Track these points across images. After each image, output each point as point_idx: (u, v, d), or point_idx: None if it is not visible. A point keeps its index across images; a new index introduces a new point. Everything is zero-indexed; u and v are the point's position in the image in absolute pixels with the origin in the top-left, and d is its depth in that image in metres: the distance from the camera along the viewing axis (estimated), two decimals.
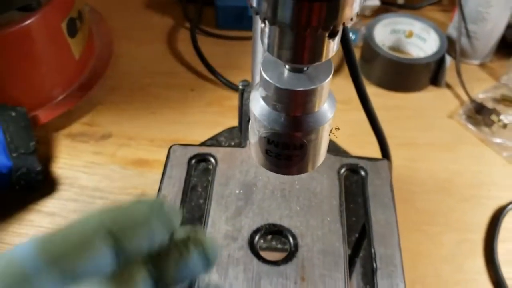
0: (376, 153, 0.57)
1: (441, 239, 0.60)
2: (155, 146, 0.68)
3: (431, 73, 0.76)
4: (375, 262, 0.40)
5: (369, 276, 0.41)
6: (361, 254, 0.48)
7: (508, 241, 0.60)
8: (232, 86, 0.75)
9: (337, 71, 0.79)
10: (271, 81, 0.27)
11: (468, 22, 0.77)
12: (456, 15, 0.78)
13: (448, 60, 0.75)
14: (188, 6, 0.89)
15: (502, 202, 0.64)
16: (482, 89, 0.76)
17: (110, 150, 0.68)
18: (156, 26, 0.87)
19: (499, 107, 0.73)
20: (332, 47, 0.26)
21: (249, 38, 0.38)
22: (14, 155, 0.60)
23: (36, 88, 0.68)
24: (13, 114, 0.63)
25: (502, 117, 0.71)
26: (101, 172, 0.66)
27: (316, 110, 0.28)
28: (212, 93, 0.75)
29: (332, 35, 0.24)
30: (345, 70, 0.80)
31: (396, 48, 0.82)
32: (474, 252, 0.59)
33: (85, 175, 0.65)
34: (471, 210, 0.63)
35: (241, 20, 0.83)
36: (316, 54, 0.25)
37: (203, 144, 0.61)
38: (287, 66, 0.27)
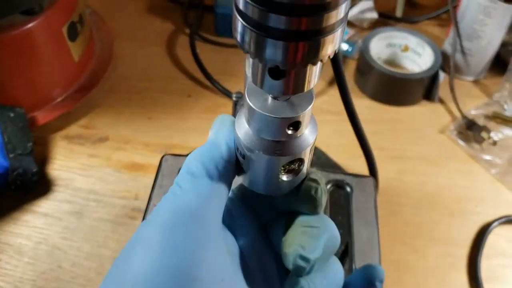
0: (365, 165, 0.58)
1: (425, 252, 0.61)
2: (150, 150, 0.70)
3: (424, 88, 0.77)
4: None
5: None
6: (346, 267, 0.50)
7: (492, 257, 0.61)
8: (228, 94, 0.76)
9: (331, 82, 0.80)
10: (255, 107, 0.28)
11: (463, 39, 0.78)
12: (451, 31, 0.79)
13: (442, 76, 0.76)
14: (189, 12, 0.90)
15: (488, 218, 0.65)
16: (474, 106, 0.78)
17: (106, 153, 0.69)
18: (156, 30, 0.88)
19: (490, 124, 0.74)
20: (314, 78, 0.27)
21: None
22: (11, 155, 0.61)
23: (35, 89, 0.70)
24: (12, 114, 0.64)
25: (492, 134, 0.72)
26: (96, 175, 0.67)
27: (298, 135, 0.29)
28: (208, 100, 0.77)
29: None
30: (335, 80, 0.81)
31: (391, 61, 0.84)
32: (457, 267, 0.60)
33: (80, 177, 0.66)
34: (457, 225, 0.64)
35: None
36: (298, 86, 0.26)
37: None
38: (270, 95, 0.28)
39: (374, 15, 0.89)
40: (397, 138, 0.74)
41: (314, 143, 0.30)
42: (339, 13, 0.23)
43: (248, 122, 0.29)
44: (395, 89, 0.77)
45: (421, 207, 0.66)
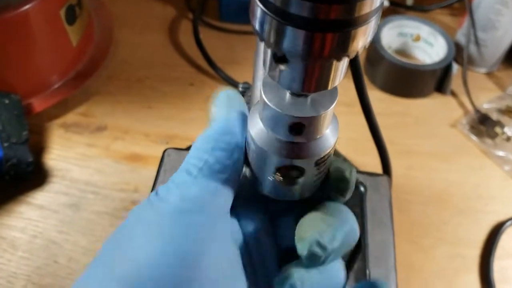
0: (375, 161, 0.56)
1: (434, 252, 0.59)
2: (150, 141, 0.67)
3: (436, 80, 0.74)
4: None
5: None
6: (355, 268, 0.47)
7: (504, 258, 0.59)
8: (233, 83, 0.73)
9: None
10: (270, 104, 0.25)
11: (478, 29, 0.75)
12: (465, 21, 0.76)
13: (455, 68, 0.73)
14: None
15: (500, 217, 0.62)
16: (487, 99, 0.75)
17: (104, 143, 0.67)
18: (158, 15, 0.85)
19: (504, 119, 0.72)
20: (339, 75, 0.24)
21: (253, 33, 0.36)
22: (5, 144, 0.58)
23: (31, 75, 0.67)
24: (6, 101, 0.61)
25: (506, 129, 0.69)
26: (93, 166, 0.64)
27: (317, 136, 0.27)
28: (211, 89, 0.74)
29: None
30: (347, 71, 0.78)
31: (402, 51, 0.81)
32: (468, 268, 0.58)
33: (77, 167, 0.64)
34: (467, 224, 0.62)
35: (246, 13, 0.81)
36: (322, 83, 0.24)
37: None
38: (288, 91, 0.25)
39: (385, 3, 0.85)
40: (407, 132, 0.71)
41: (331, 149, 0.28)
42: (374, 1, 0.20)
43: (262, 120, 0.27)
44: (406, 80, 0.74)
45: (430, 205, 0.63)
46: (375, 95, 0.76)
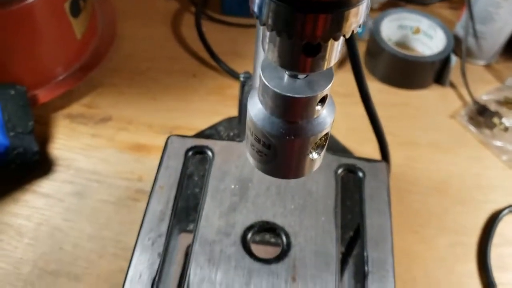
0: (374, 150, 0.57)
1: (434, 241, 0.60)
2: (154, 132, 0.68)
3: (435, 72, 0.75)
4: (367, 266, 0.40)
5: (361, 278, 0.41)
6: (354, 253, 0.48)
7: (502, 246, 0.60)
8: (234, 75, 0.74)
9: (341, 64, 0.78)
10: (269, 85, 0.26)
11: (476, 22, 0.76)
12: (464, 14, 0.77)
13: (454, 60, 0.74)
14: None
15: (499, 206, 0.63)
16: (486, 91, 0.76)
17: (109, 134, 0.68)
18: (161, 8, 0.86)
19: (502, 110, 0.72)
20: (335, 55, 0.25)
21: (254, 26, 0.37)
22: (11, 134, 0.59)
23: (36, 67, 0.68)
24: (13, 92, 0.63)
25: (504, 120, 0.70)
26: (98, 155, 0.65)
27: (315, 116, 0.28)
28: (213, 81, 0.75)
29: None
30: (349, 63, 0.79)
31: (402, 43, 0.82)
32: (466, 255, 0.59)
33: (82, 157, 0.65)
34: (466, 213, 0.63)
35: (247, 7, 0.82)
36: (318, 63, 0.25)
37: (201, 133, 0.61)
38: (287, 72, 0.26)
39: None
40: (407, 123, 0.72)
41: (330, 126, 0.29)
42: None
43: (271, 109, 0.28)
44: (406, 72, 0.75)
45: (430, 195, 0.64)
46: (375, 87, 0.76)
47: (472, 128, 0.71)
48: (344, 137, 0.67)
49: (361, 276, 0.40)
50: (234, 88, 0.74)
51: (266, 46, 0.25)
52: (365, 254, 0.41)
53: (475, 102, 0.73)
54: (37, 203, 0.60)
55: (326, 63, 0.25)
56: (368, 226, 0.42)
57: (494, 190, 0.65)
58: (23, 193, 0.61)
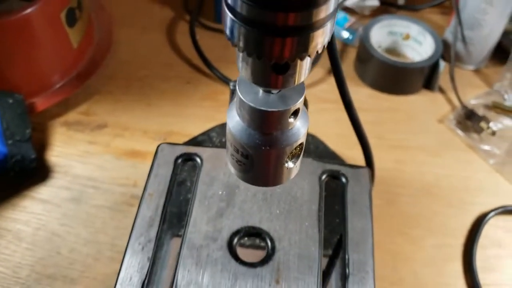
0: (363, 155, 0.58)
1: (422, 242, 0.62)
2: (149, 137, 0.70)
3: (424, 77, 0.77)
4: (348, 268, 0.42)
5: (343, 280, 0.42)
6: (341, 256, 0.50)
7: (487, 248, 0.61)
8: (227, 81, 0.76)
9: (330, 71, 0.79)
10: (245, 100, 0.28)
11: (465, 28, 0.78)
12: (453, 20, 0.79)
13: (442, 65, 0.75)
14: None
15: (486, 208, 0.65)
16: (475, 95, 0.77)
17: (105, 140, 0.69)
18: (156, 16, 0.88)
19: (490, 114, 0.74)
20: (304, 72, 0.27)
21: None
22: (9, 142, 0.61)
23: (34, 76, 0.70)
24: (10, 101, 0.64)
25: (491, 124, 0.72)
26: (95, 162, 0.67)
27: (289, 128, 0.29)
28: (207, 87, 0.77)
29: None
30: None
31: (392, 49, 0.83)
32: (453, 256, 0.61)
33: (79, 164, 0.67)
34: (454, 215, 0.64)
35: None
36: (289, 80, 0.26)
37: (194, 139, 0.62)
38: (261, 88, 0.28)
39: (375, 2, 0.88)
40: (396, 127, 0.74)
41: (304, 137, 0.31)
42: (329, 8, 0.23)
43: (247, 122, 0.29)
44: (395, 77, 0.77)
45: (419, 197, 0.66)
46: (365, 92, 0.78)
47: (460, 132, 0.73)
48: (333, 143, 0.68)
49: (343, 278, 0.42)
50: (227, 94, 0.75)
51: (240, 65, 0.27)
52: (346, 256, 0.42)
53: (464, 106, 0.74)
54: (35, 208, 0.62)
55: (295, 79, 0.27)
56: (350, 230, 0.44)
57: (481, 193, 0.67)
58: (21, 199, 0.63)
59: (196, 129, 0.66)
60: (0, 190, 0.63)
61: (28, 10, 0.64)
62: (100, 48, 0.79)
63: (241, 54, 0.26)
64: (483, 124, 0.72)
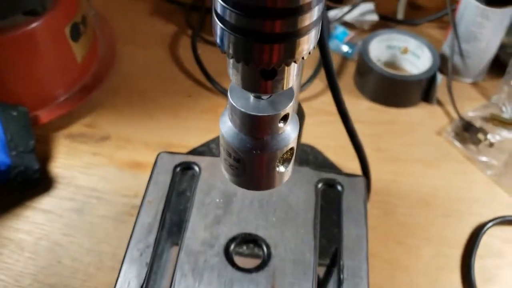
0: None
1: (419, 252, 0.62)
2: (150, 149, 0.71)
3: (422, 90, 0.78)
4: (342, 274, 0.42)
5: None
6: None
7: (485, 258, 0.62)
8: (227, 94, 0.77)
9: None
10: (236, 105, 0.29)
11: (462, 41, 0.79)
12: (450, 34, 0.80)
13: (440, 78, 0.77)
14: (191, 14, 0.91)
15: (483, 219, 0.65)
16: (473, 108, 0.78)
17: (108, 152, 0.71)
18: (159, 32, 0.89)
19: (488, 126, 0.75)
20: (292, 77, 0.28)
21: None
22: (13, 153, 0.62)
23: (38, 89, 0.71)
24: (15, 113, 0.66)
25: (489, 136, 0.72)
26: (98, 173, 0.68)
27: (279, 132, 0.30)
28: (208, 100, 0.78)
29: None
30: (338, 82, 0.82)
31: (391, 63, 0.84)
32: (450, 266, 0.61)
33: (82, 175, 0.68)
34: (451, 225, 0.65)
35: None
36: (277, 85, 0.28)
37: (194, 150, 0.63)
38: (252, 94, 0.29)
39: (374, 17, 0.89)
40: (394, 139, 0.75)
41: (291, 144, 0.32)
42: (312, 16, 0.24)
43: (239, 126, 0.30)
44: (393, 90, 0.78)
45: (416, 208, 0.66)
46: (364, 105, 0.79)
47: (458, 144, 0.73)
48: (333, 154, 0.70)
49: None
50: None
51: (231, 72, 0.28)
52: (341, 262, 0.43)
53: (461, 118, 0.75)
54: (37, 218, 0.63)
55: (283, 85, 0.28)
56: (345, 237, 0.44)
57: (478, 204, 0.67)
58: (24, 209, 0.64)
59: (196, 141, 0.67)
60: (3, 200, 0.64)
61: (33, 25, 0.65)
62: (104, 62, 0.80)
63: (231, 61, 0.27)
64: (480, 136, 0.73)
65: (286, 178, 0.33)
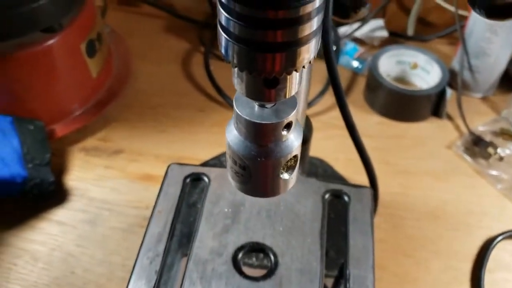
0: None
1: (428, 265, 0.62)
2: (162, 162, 0.72)
3: (432, 105, 0.78)
4: (349, 283, 0.43)
5: None
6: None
7: (495, 271, 0.62)
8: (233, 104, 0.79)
9: None
10: (241, 114, 0.30)
11: (471, 56, 0.79)
12: (459, 49, 0.81)
13: (449, 92, 0.77)
14: (204, 31, 0.93)
15: (493, 233, 0.65)
16: (482, 122, 0.78)
17: (121, 165, 0.72)
18: (172, 48, 0.91)
19: (498, 141, 0.75)
20: (294, 86, 0.29)
21: None
22: (29, 165, 0.64)
23: (54, 104, 0.73)
24: (31, 127, 0.68)
25: (499, 150, 0.73)
26: (110, 185, 0.70)
27: (283, 140, 0.31)
28: (219, 115, 0.79)
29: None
30: (350, 97, 0.83)
31: (401, 78, 0.85)
32: (460, 280, 0.61)
33: (95, 187, 0.69)
34: (460, 238, 0.65)
35: None
36: (280, 93, 0.29)
37: (205, 163, 0.65)
38: (256, 102, 0.30)
39: (384, 33, 0.90)
40: (404, 153, 0.75)
41: (295, 152, 0.33)
42: (312, 26, 0.25)
43: (244, 134, 0.32)
44: (403, 105, 0.79)
45: (425, 221, 0.67)
46: (374, 120, 0.80)
47: (467, 158, 0.74)
48: (342, 167, 0.70)
49: None
50: None
51: (235, 81, 0.29)
52: (347, 272, 0.43)
53: (471, 133, 0.75)
54: (51, 230, 0.64)
55: (286, 93, 0.29)
56: (351, 246, 0.45)
57: (488, 217, 0.67)
58: (39, 221, 0.65)
59: (206, 154, 0.69)
60: (19, 211, 0.65)
61: (50, 42, 0.67)
62: (118, 78, 0.82)
63: (235, 70, 0.28)
64: (490, 150, 0.73)
65: (290, 185, 0.34)
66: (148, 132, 0.77)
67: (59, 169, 0.71)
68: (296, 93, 0.40)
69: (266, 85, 0.28)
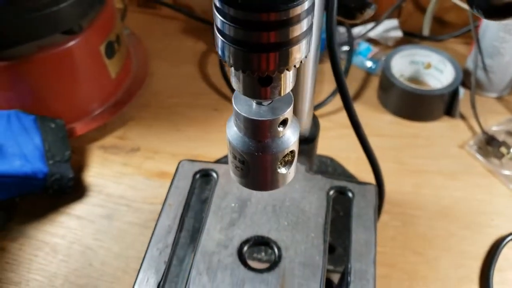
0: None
1: (438, 263, 0.63)
2: (177, 160, 0.73)
3: (445, 104, 0.79)
4: (350, 276, 0.44)
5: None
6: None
7: (505, 270, 0.62)
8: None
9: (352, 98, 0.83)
10: (239, 111, 0.32)
11: (485, 56, 0.80)
12: (473, 49, 0.81)
13: (462, 92, 0.77)
14: None
15: (504, 232, 0.65)
16: (497, 122, 0.79)
17: (137, 162, 0.75)
18: (189, 50, 0.94)
19: (511, 140, 0.75)
20: (288, 84, 0.30)
21: None
22: (50, 162, 0.67)
23: (74, 103, 0.76)
24: (53, 125, 0.71)
25: None
26: (127, 182, 0.72)
27: (279, 136, 0.33)
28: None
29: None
30: (359, 97, 0.84)
31: (415, 78, 0.86)
32: (469, 278, 0.61)
33: (112, 183, 0.72)
34: (471, 237, 0.65)
35: None
36: (275, 91, 0.30)
37: (218, 161, 0.66)
38: (254, 100, 0.32)
39: (398, 33, 0.91)
40: (416, 152, 0.76)
41: (292, 147, 0.34)
42: (302, 27, 0.27)
43: (242, 130, 0.33)
44: (416, 104, 0.79)
45: (436, 219, 0.67)
46: (387, 119, 0.81)
47: (480, 157, 0.74)
48: (353, 166, 0.71)
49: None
50: None
51: (233, 80, 0.31)
52: (349, 265, 0.45)
53: (484, 132, 0.76)
54: (70, 224, 0.67)
55: (280, 91, 0.30)
56: (354, 241, 0.46)
57: (500, 216, 0.67)
58: (59, 215, 0.68)
59: (220, 152, 0.71)
60: (40, 206, 0.68)
61: (71, 43, 0.70)
62: (136, 79, 0.85)
63: (232, 70, 0.30)
64: (503, 150, 0.73)
65: (288, 179, 0.36)
66: (164, 130, 0.79)
67: (79, 166, 0.74)
68: (302, 92, 0.41)
69: (261, 84, 0.29)
